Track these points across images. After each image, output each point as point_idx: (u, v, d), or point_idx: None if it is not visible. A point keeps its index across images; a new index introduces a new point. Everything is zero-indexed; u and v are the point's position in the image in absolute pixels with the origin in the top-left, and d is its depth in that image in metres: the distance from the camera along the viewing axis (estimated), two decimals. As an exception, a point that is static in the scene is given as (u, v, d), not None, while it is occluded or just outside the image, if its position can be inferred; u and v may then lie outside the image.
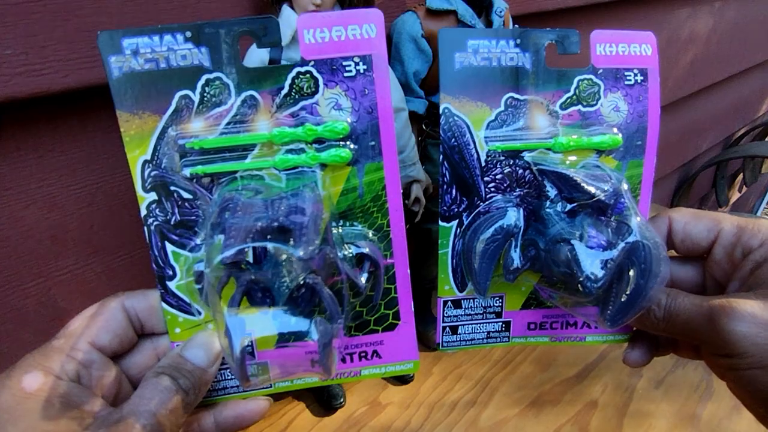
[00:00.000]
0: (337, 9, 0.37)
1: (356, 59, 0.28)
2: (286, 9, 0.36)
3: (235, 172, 0.28)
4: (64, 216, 0.37)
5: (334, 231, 0.30)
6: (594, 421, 0.43)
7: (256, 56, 0.37)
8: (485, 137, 0.30)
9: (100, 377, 0.26)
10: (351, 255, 0.29)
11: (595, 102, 0.31)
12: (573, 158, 0.30)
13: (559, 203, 0.29)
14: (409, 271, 0.31)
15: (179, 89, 0.27)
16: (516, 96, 0.30)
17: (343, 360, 0.32)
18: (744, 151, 1.32)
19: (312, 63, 0.27)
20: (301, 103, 0.28)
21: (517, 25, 0.43)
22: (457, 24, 0.40)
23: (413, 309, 0.32)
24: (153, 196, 0.28)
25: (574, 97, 0.30)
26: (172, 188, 0.28)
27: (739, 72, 1.25)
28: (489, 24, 0.41)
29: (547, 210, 0.29)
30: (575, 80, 0.30)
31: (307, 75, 0.28)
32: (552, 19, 0.66)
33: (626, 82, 0.31)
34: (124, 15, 0.33)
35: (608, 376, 0.48)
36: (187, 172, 0.28)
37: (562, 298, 0.31)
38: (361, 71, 0.28)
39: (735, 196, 1.75)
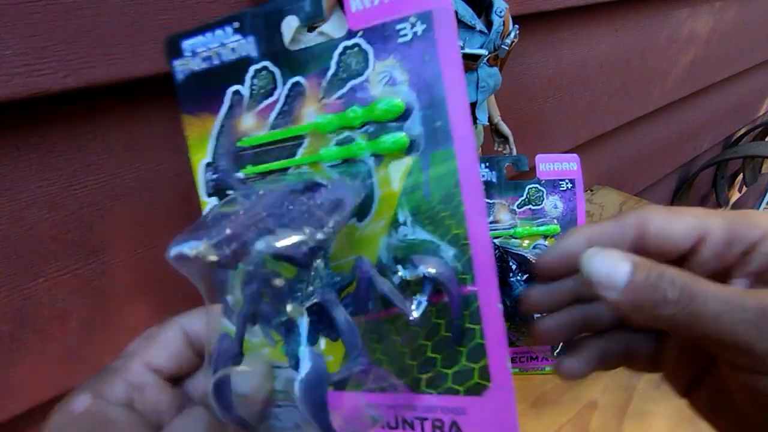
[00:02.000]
0: (337, 10, 0.37)
1: (412, 20, 0.22)
2: (286, 9, 0.36)
3: (287, 169, 0.25)
4: (64, 216, 0.37)
5: (387, 240, 0.24)
6: (594, 421, 0.43)
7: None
8: None
9: (154, 401, 0.24)
10: (407, 277, 0.22)
11: (540, 202, 0.43)
12: (527, 242, 0.44)
13: (519, 274, 0.40)
14: (501, 306, 0.23)
15: (230, 85, 0.25)
16: (487, 201, 0.42)
17: (411, 426, 0.24)
18: (744, 151, 1.32)
19: (360, 34, 0.23)
20: (351, 83, 0.24)
21: (517, 25, 0.43)
22: (458, 24, 0.40)
23: (509, 365, 0.23)
24: (215, 201, 0.26)
25: (526, 199, 0.43)
26: (230, 192, 0.26)
27: (739, 72, 1.25)
28: (489, 24, 0.41)
29: (511, 278, 0.40)
30: (526, 188, 0.43)
31: (356, 49, 0.23)
32: (551, 20, 0.66)
33: (561, 189, 0.43)
34: (124, 15, 0.33)
35: (608, 376, 0.48)
36: (240, 173, 0.26)
37: (525, 338, 0.41)
38: (419, 33, 0.22)
39: (735, 196, 1.74)
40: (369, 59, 0.23)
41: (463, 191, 0.23)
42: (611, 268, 0.21)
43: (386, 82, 0.23)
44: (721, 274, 0.23)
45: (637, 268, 0.21)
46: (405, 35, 0.22)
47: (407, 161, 0.23)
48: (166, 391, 0.25)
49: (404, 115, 0.23)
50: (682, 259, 0.24)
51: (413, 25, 0.22)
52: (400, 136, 0.23)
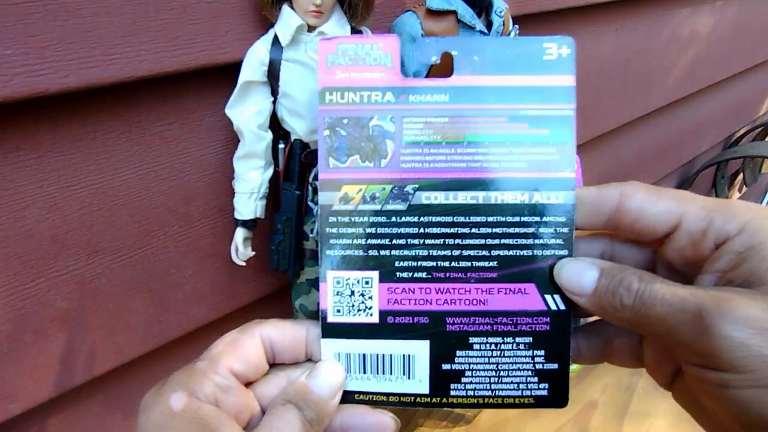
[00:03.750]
0: (337, 9, 0.37)
1: None
2: (286, 9, 0.36)
3: None
4: (63, 216, 0.37)
5: None
6: (594, 421, 0.43)
7: (255, 57, 0.37)
8: None
9: (236, 403, 0.26)
10: None
11: None
12: None
13: None
14: None
15: None
16: None
17: None
18: (744, 151, 1.32)
19: None
20: None
21: (517, 25, 0.43)
22: (457, 24, 0.40)
23: None
24: None
25: None
26: None
27: (739, 72, 1.25)
28: (489, 24, 0.41)
29: None
30: None
31: None
32: (551, 20, 0.66)
33: None
34: (124, 15, 0.33)
35: (608, 376, 0.48)
36: None
37: None
38: None
39: (735, 196, 1.75)
40: None
41: None
42: (580, 276, 0.24)
43: None
44: (696, 264, 0.24)
45: (601, 276, 0.24)
46: None
47: None
48: (246, 394, 0.27)
49: None
50: (654, 243, 0.25)
51: None
52: None
